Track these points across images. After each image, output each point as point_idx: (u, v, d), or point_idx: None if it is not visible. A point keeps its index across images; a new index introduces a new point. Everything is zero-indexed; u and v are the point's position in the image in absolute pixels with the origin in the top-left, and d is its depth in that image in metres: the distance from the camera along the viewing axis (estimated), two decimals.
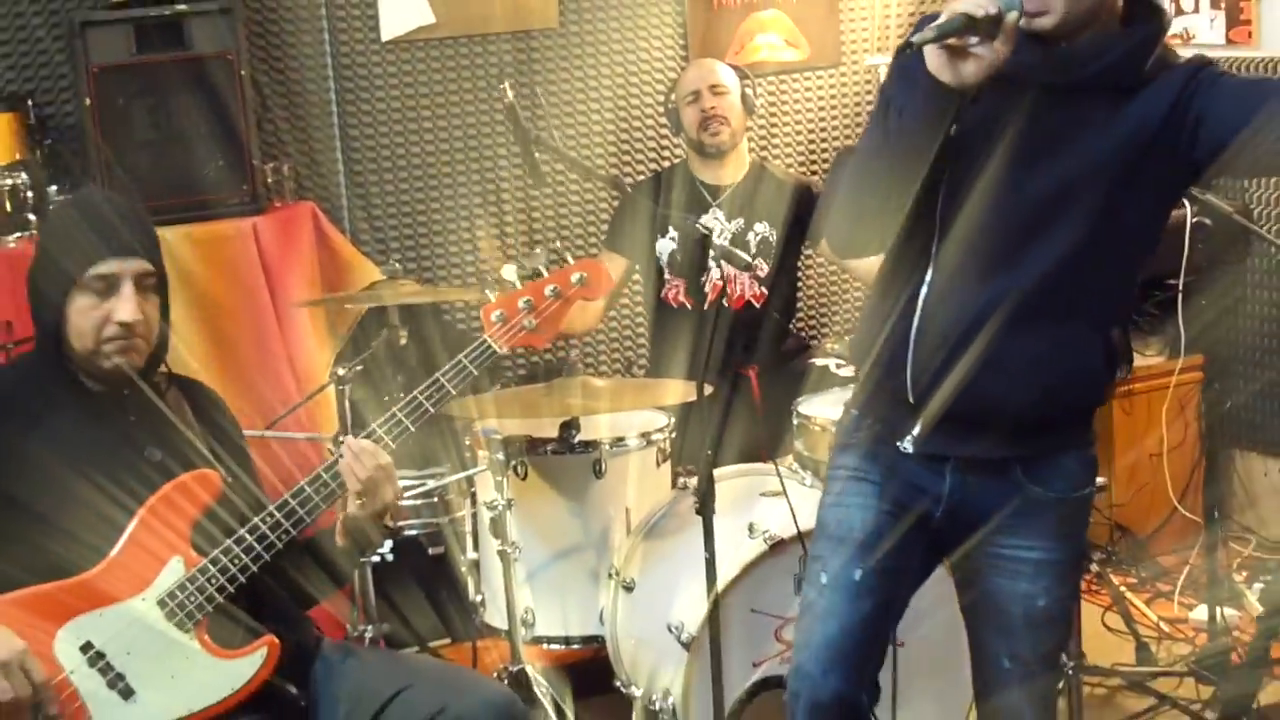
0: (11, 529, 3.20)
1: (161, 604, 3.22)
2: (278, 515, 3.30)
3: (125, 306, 3.28)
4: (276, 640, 3.31)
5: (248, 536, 3.27)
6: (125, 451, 3.33)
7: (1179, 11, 6.10)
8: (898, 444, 3.18)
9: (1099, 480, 4.68)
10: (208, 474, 3.35)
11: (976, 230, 3.03)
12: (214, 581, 3.25)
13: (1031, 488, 3.19)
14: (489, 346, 3.53)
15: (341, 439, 4.51)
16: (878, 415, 3.26)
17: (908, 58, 2.92)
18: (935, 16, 2.90)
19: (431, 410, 3.56)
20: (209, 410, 3.61)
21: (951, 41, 2.80)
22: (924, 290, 3.08)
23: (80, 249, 3.30)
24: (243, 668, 3.26)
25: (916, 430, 3.14)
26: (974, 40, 2.80)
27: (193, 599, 3.23)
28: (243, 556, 3.26)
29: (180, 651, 3.23)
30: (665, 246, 5.46)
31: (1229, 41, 5.94)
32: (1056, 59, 3.00)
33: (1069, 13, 2.94)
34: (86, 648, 3.16)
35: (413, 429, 3.54)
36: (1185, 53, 5.73)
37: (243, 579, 3.27)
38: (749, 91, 5.47)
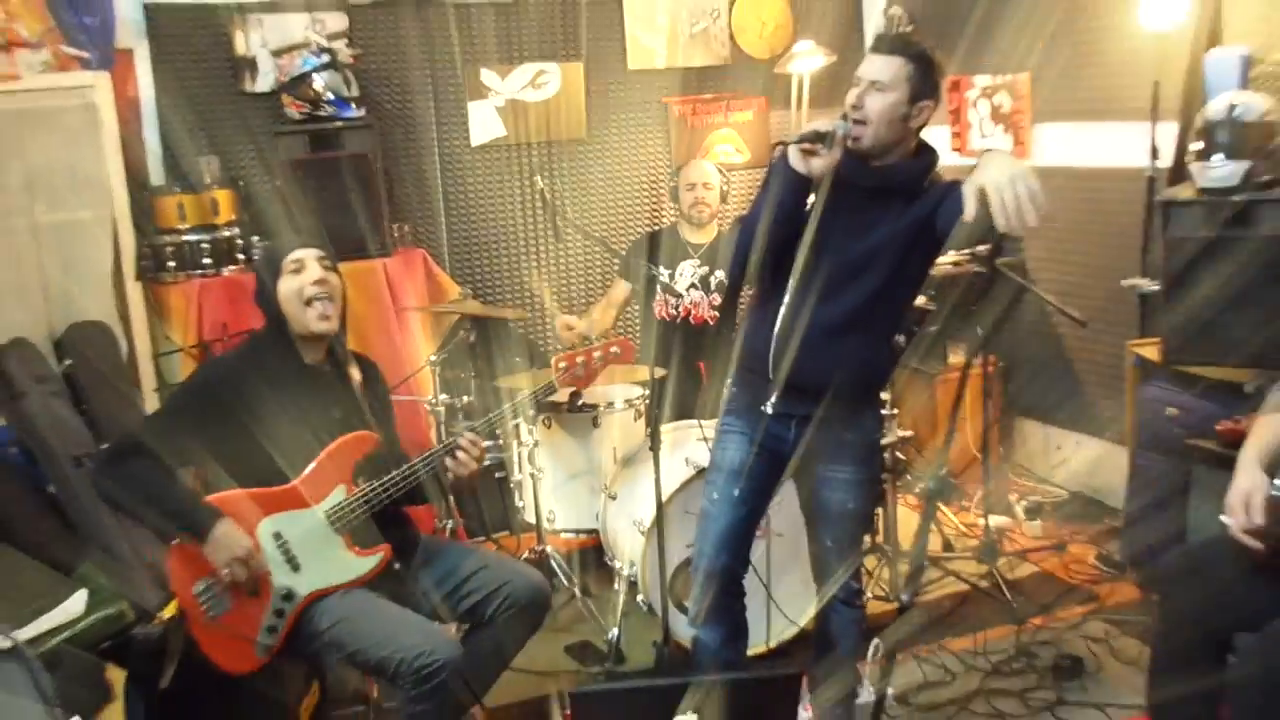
0: (244, 451, 3.23)
1: (327, 514, 3.32)
2: (405, 471, 3.36)
3: (313, 269, 3.39)
4: (390, 547, 3.38)
5: (386, 481, 3.35)
6: (319, 409, 3.38)
7: (983, 135, 6.10)
8: (761, 407, 3.30)
9: (908, 433, 4.91)
10: (369, 435, 3.42)
11: (815, 275, 3.17)
12: (361, 505, 3.33)
13: (844, 434, 3.33)
14: (553, 385, 3.65)
15: (431, 408, 4.70)
16: (748, 388, 3.39)
17: (781, 155, 3.09)
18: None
19: (513, 419, 3.75)
20: (374, 381, 3.64)
21: (805, 146, 3.02)
22: (781, 311, 3.21)
23: (279, 251, 3.42)
24: (368, 562, 3.36)
25: (773, 398, 3.28)
26: (820, 147, 3.03)
27: (346, 514, 3.33)
28: (380, 494, 3.34)
29: (332, 545, 3.33)
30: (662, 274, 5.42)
31: (1013, 154, 5.84)
32: (872, 171, 3.15)
33: (875, 141, 3.10)
34: (277, 535, 3.28)
35: (497, 429, 3.65)
36: None
37: (378, 508, 3.36)
38: (725, 187, 5.42)
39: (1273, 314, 4.12)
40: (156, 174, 5.35)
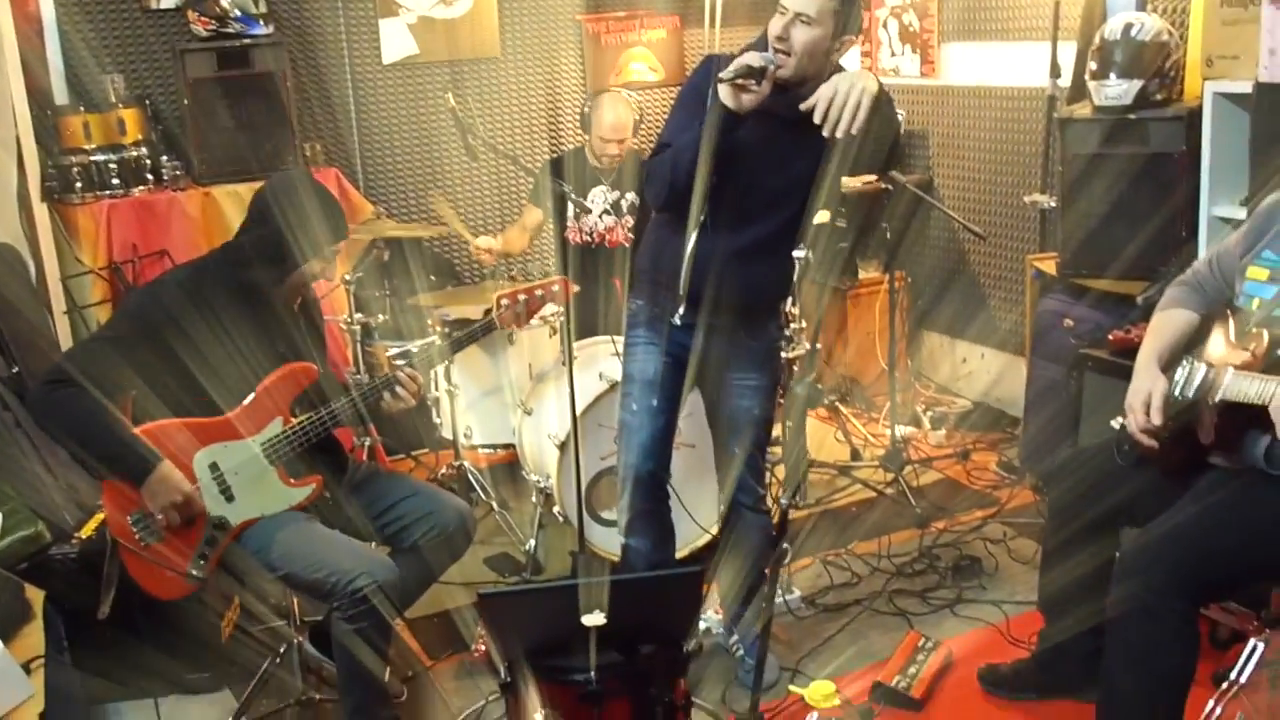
0: (189, 376, 3.18)
1: (263, 446, 3.30)
2: (344, 405, 3.35)
3: (332, 271, 3.51)
4: (321, 479, 3.38)
5: (324, 414, 3.34)
6: (261, 340, 3.31)
7: (893, 54, 6.19)
8: (670, 320, 3.36)
9: (817, 345, 5.01)
10: (308, 367, 3.39)
11: (732, 203, 3.23)
12: (297, 438, 3.32)
13: (749, 342, 3.44)
14: (493, 322, 3.66)
15: (346, 328, 4.70)
16: (656, 303, 3.45)
17: (713, 92, 3.09)
18: (730, 59, 3.11)
19: (450, 354, 3.79)
20: (313, 311, 3.61)
21: (738, 81, 3.03)
22: (695, 234, 3.24)
23: (332, 232, 3.36)
24: (300, 492, 3.36)
25: (682, 310, 3.32)
26: (751, 82, 3.05)
27: (282, 446, 3.31)
28: (317, 427, 3.33)
29: (266, 477, 3.31)
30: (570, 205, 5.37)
31: (922, 74, 6.03)
32: (790, 101, 3.14)
33: (797, 72, 3.13)
34: (213, 467, 3.25)
35: (436, 360, 3.71)
36: (894, 81, 6.00)
37: (314, 440, 3.35)
38: (637, 118, 5.40)
39: (1162, 227, 4.27)
40: (60, 93, 5.21)
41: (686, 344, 3.43)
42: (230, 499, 3.29)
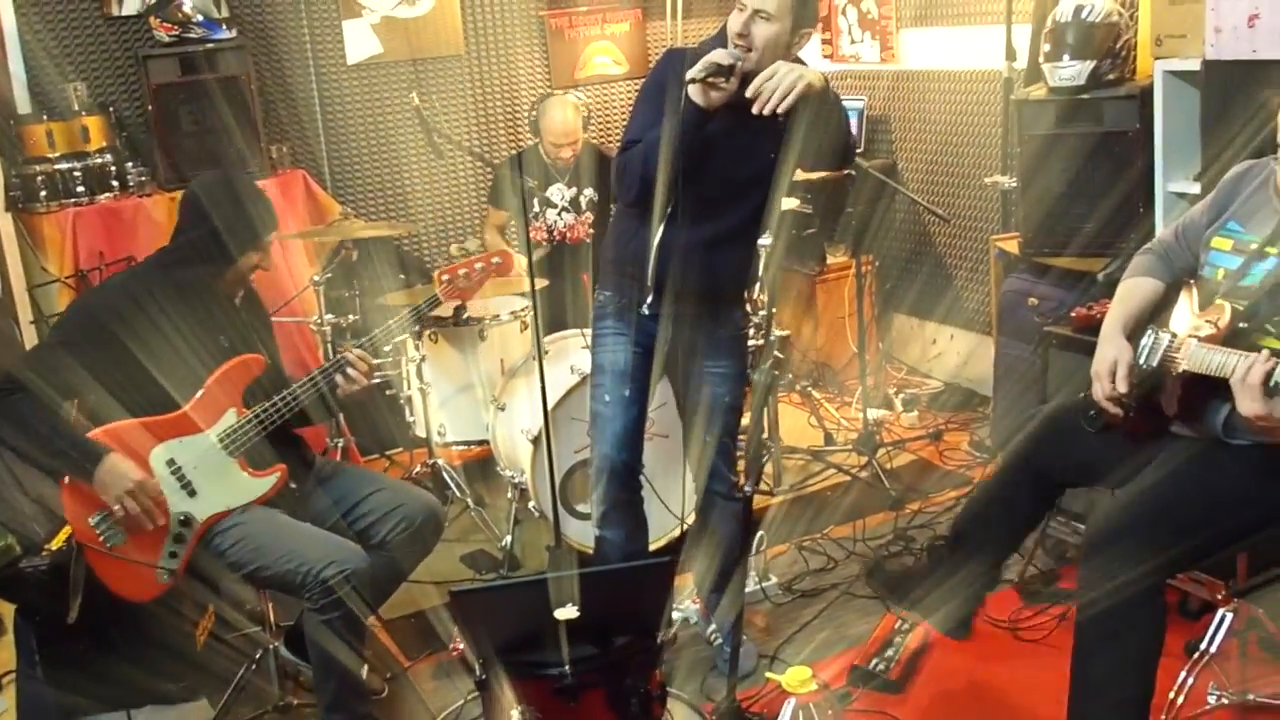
0: (132, 380, 3.20)
1: (220, 438, 3.31)
2: (296, 391, 3.38)
3: (269, 261, 3.51)
4: (285, 468, 3.39)
5: (278, 402, 3.36)
6: (206, 336, 3.34)
7: (853, 42, 6.20)
8: (639, 309, 3.36)
9: (785, 332, 5.03)
10: (256, 358, 3.42)
11: (698, 195, 3.21)
12: (252, 428, 3.34)
13: (716, 329, 3.45)
14: (437, 297, 3.71)
15: (317, 329, 4.70)
16: (624, 293, 3.45)
17: (685, 95, 3.10)
18: (692, 53, 3.16)
19: (400, 334, 3.74)
20: (255, 305, 3.64)
21: (707, 79, 3.04)
22: (663, 226, 3.23)
23: (262, 223, 3.43)
24: (264, 483, 3.37)
25: (649, 300, 3.33)
26: (720, 80, 3.06)
27: (239, 437, 3.33)
28: (272, 414, 3.35)
29: (227, 469, 3.32)
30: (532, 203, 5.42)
31: (881, 60, 6.04)
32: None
33: (758, 66, 3.11)
34: (171, 462, 3.25)
35: (386, 343, 3.70)
36: (855, 68, 6.00)
37: (270, 428, 3.37)
38: (586, 115, 5.42)
39: (1119, 204, 4.29)
40: (23, 102, 5.16)
41: (655, 333, 3.44)
42: (193, 494, 3.29)
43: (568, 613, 2.41)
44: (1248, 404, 2.68)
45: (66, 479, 3.17)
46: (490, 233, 5.58)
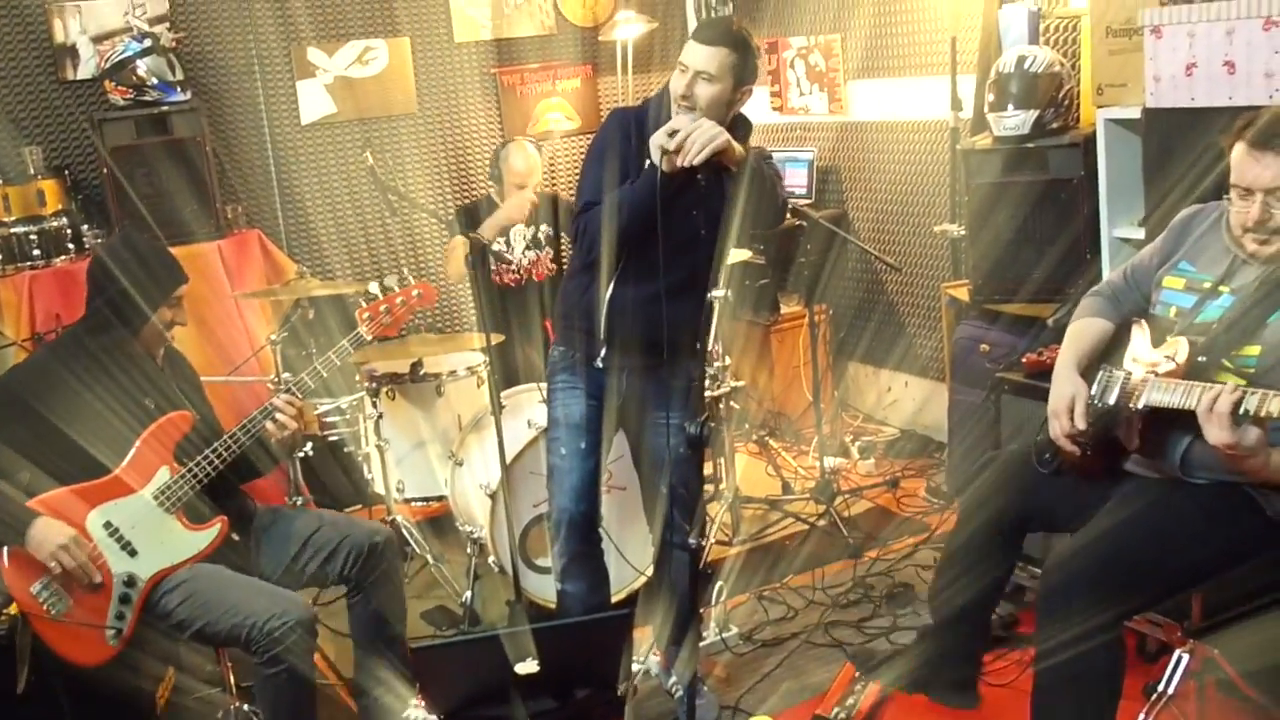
0: (62, 447, 3.21)
1: (155, 496, 3.30)
2: (228, 441, 3.37)
3: (184, 316, 3.53)
4: (226, 519, 3.38)
5: (210, 454, 3.34)
6: (130, 400, 3.36)
7: (801, 94, 6.25)
8: (592, 363, 3.39)
9: (740, 383, 5.03)
10: (184, 415, 3.43)
11: (648, 250, 3.21)
12: (188, 482, 3.33)
13: (671, 380, 3.44)
14: (360, 335, 3.71)
15: (275, 388, 4.67)
16: (577, 348, 3.47)
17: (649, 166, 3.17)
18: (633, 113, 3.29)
19: (324, 374, 3.67)
20: (178, 363, 3.66)
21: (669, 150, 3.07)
22: (615, 280, 3.29)
23: (166, 280, 3.45)
24: (206, 536, 3.35)
25: (604, 353, 3.36)
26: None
27: (174, 493, 3.31)
28: (205, 467, 3.34)
29: (166, 526, 3.30)
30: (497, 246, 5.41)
31: (830, 112, 6.09)
32: None
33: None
34: (108, 525, 3.23)
35: (313, 385, 3.66)
36: (804, 119, 6.05)
37: (205, 481, 3.35)
38: (541, 162, 5.46)
39: (1066, 250, 4.35)
40: None
41: (610, 386, 3.46)
42: (134, 553, 3.26)
43: (528, 666, 2.38)
44: (1216, 433, 2.67)
45: (3, 549, 3.16)
46: (454, 264, 5.50)
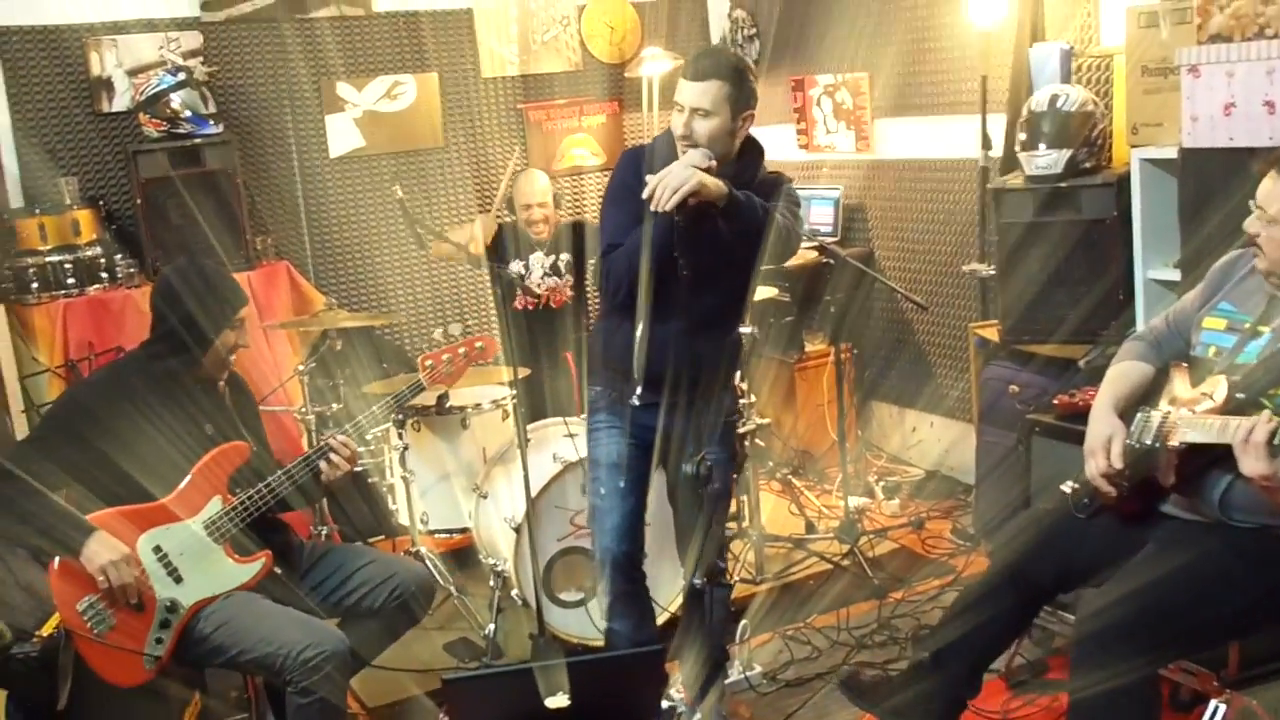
0: (118, 471, 3.23)
1: (205, 526, 3.33)
2: (281, 477, 3.40)
3: (245, 338, 3.54)
4: (270, 554, 3.40)
5: (263, 489, 3.38)
6: (190, 425, 3.39)
7: (828, 132, 6.24)
8: (629, 402, 3.32)
9: (765, 420, 5.00)
10: (241, 446, 3.46)
11: (677, 286, 3.18)
12: (239, 514, 3.36)
13: (707, 415, 3.38)
14: (420, 383, 3.75)
15: (301, 419, 4.70)
16: (614, 387, 3.45)
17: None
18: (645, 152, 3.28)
19: (384, 421, 3.73)
20: (241, 393, 3.68)
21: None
22: (642, 320, 3.23)
23: (231, 302, 3.48)
24: (250, 569, 3.38)
25: (639, 391, 3.28)
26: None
27: (225, 524, 3.35)
28: (257, 501, 3.37)
29: (214, 556, 3.34)
30: (515, 269, 5.45)
31: (857, 150, 6.08)
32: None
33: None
34: (157, 549, 3.27)
35: (368, 427, 3.70)
36: (830, 157, 6.05)
37: (256, 515, 3.39)
38: (556, 192, 5.52)
39: (1099, 292, 4.31)
40: (15, 196, 5.23)
41: (648, 424, 3.41)
42: (179, 580, 3.30)
43: (558, 700, 2.36)
44: (1252, 464, 2.65)
45: (56, 561, 3.18)
46: (479, 223, 5.50)
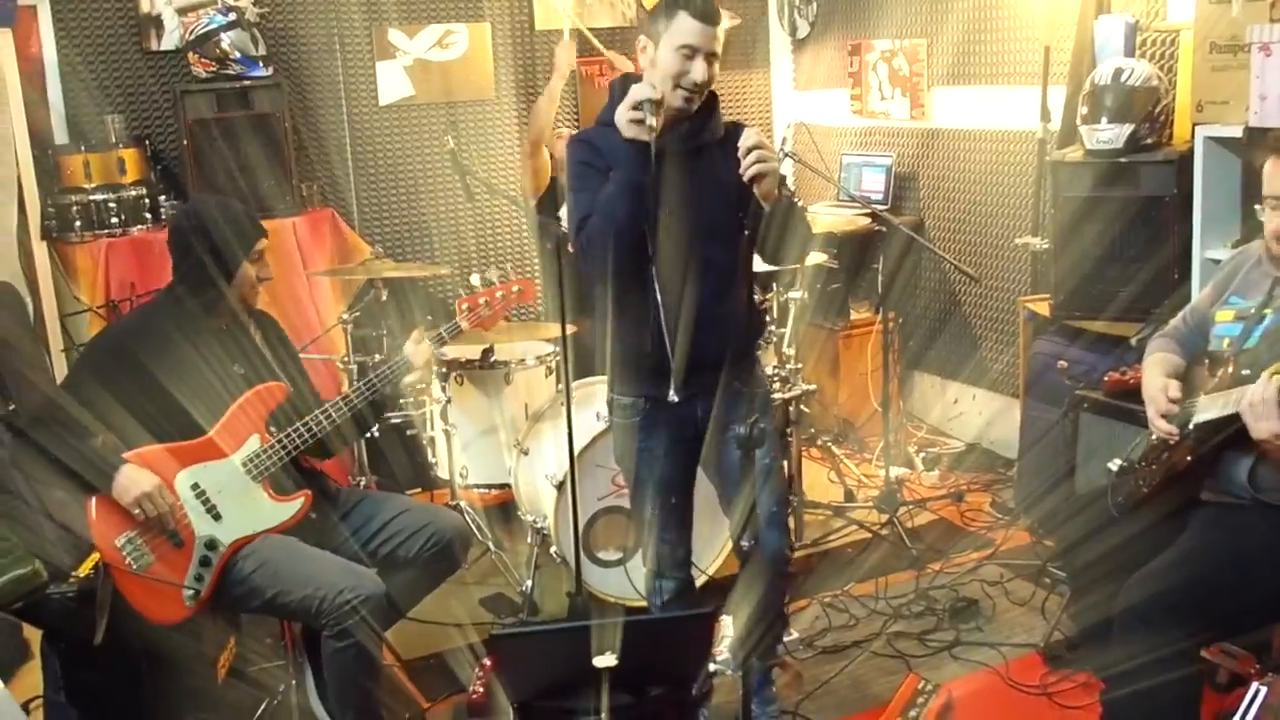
0: (158, 408, 3.28)
1: (244, 464, 3.38)
2: (319, 416, 3.44)
3: (268, 270, 3.55)
4: (310, 494, 3.46)
5: (300, 427, 3.42)
6: (222, 366, 3.41)
7: (882, 98, 6.22)
8: (666, 398, 3.17)
9: (811, 386, 4.99)
10: (279, 386, 3.50)
11: (679, 253, 3.10)
12: (276, 453, 3.40)
13: (741, 388, 3.31)
14: (458, 325, 3.74)
15: (344, 368, 4.72)
16: (645, 393, 3.28)
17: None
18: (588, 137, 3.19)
19: (434, 346, 3.68)
20: (273, 334, 3.70)
21: (633, 116, 2.97)
22: (660, 300, 3.11)
23: (247, 235, 3.47)
24: (289, 508, 3.43)
25: (674, 385, 3.15)
26: (644, 114, 2.95)
27: (263, 463, 3.39)
28: (295, 440, 3.42)
29: (252, 494, 3.39)
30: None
31: (911, 118, 6.04)
32: (688, 133, 3.14)
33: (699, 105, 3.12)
34: (195, 486, 3.32)
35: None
36: (884, 124, 6.01)
37: (294, 454, 3.43)
38: None
39: (1155, 270, 4.29)
40: (61, 133, 5.24)
41: (689, 415, 3.30)
42: (218, 518, 3.35)
43: (606, 660, 2.37)
44: (1264, 425, 2.71)
45: (93, 500, 3.23)
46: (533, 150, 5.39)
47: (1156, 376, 3.17)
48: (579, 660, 2.38)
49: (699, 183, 3.15)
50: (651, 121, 2.94)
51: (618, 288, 3.17)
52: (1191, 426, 2.94)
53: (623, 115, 2.99)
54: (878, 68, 6.23)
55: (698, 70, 3.06)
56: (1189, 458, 3.00)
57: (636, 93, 2.98)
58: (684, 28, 3.06)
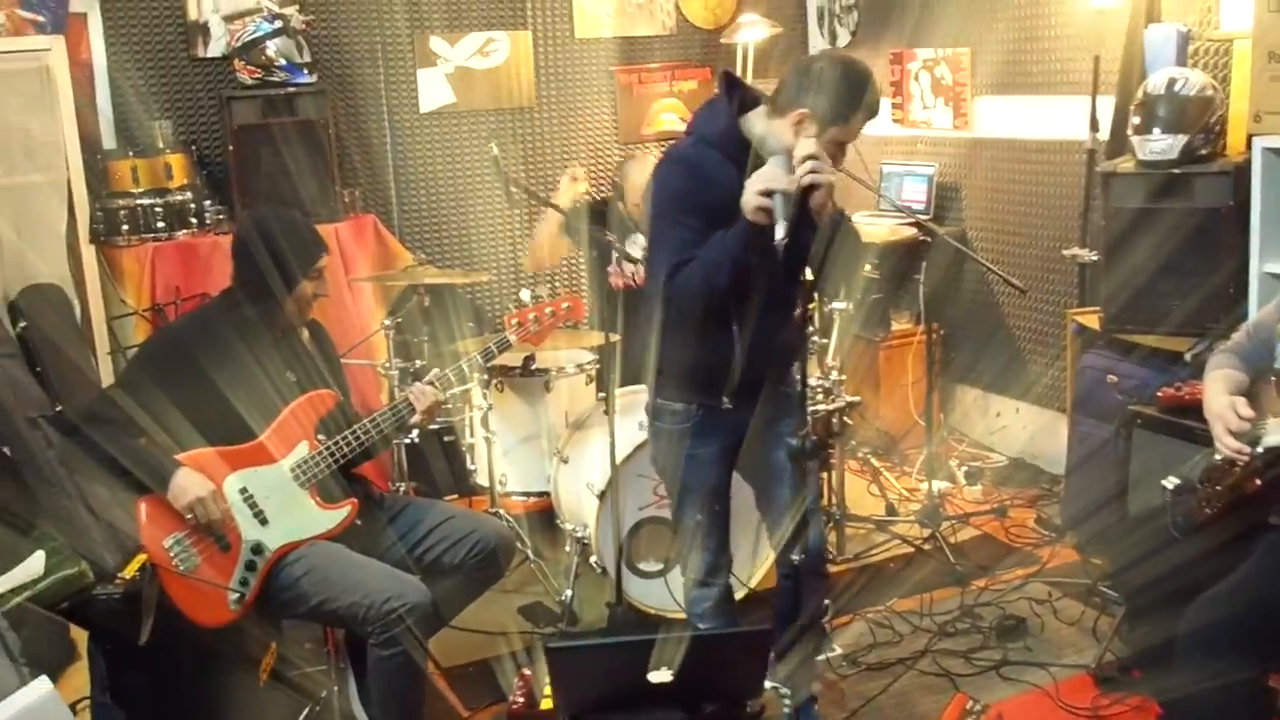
0: (212, 410, 3.29)
1: (292, 470, 3.39)
2: (367, 425, 3.44)
3: (325, 287, 3.54)
4: (356, 502, 3.45)
5: (349, 435, 3.42)
6: (275, 372, 3.42)
7: (925, 107, 6.15)
8: (721, 405, 3.19)
9: (856, 398, 4.93)
10: (329, 393, 3.52)
11: (765, 295, 3.08)
12: (325, 460, 3.40)
13: (784, 390, 3.28)
14: (508, 340, 3.72)
15: (385, 373, 4.70)
16: (701, 402, 3.24)
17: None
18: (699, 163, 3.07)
19: (468, 373, 3.73)
20: (323, 342, 3.72)
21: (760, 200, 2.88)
22: (737, 333, 3.10)
23: (309, 253, 3.47)
24: (335, 515, 3.43)
25: (729, 393, 3.18)
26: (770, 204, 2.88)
27: (311, 469, 3.39)
28: (344, 447, 3.41)
29: (299, 500, 3.39)
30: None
31: (955, 127, 5.98)
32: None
33: None
34: (244, 491, 3.33)
35: (454, 381, 3.72)
36: (926, 134, 5.94)
37: (343, 461, 3.43)
38: None
39: (1210, 284, 4.20)
40: (109, 138, 5.28)
41: (739, 422, 3.29)
42: (265, 522, 3.36)
43: (661, 675, 2.33)
44: None
45: (143, 501, 3.24)
46: (544, 229, 5.29)
47: (1221, 394, 3.06)
48: (635, 674, 2.35)
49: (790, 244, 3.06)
50: (781, 213, 2.82)
51: (692, 318, 3.13)
52: (1261, 449, 2.85)
53: (751, 197, 2.88)
54: (920, 76, 6.18)
55: (827, 149, 2.97)
56: (1258, 481, 2.91)
57: (770, 179, 2.87)
58: (857, 127, 3.04)
